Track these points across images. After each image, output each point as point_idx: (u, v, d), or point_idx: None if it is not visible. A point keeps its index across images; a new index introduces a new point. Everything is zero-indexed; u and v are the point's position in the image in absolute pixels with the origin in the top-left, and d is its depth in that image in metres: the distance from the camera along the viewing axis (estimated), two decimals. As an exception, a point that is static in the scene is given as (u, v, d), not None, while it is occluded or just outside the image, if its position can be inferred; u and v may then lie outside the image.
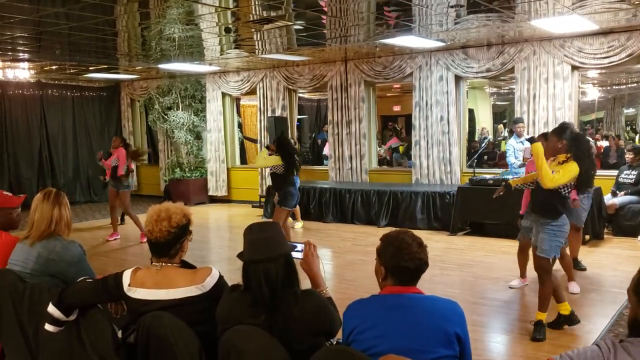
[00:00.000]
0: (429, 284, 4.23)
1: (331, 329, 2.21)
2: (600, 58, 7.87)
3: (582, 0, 5.99)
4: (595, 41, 7.82)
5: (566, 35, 7.89)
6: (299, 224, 9.13)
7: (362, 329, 2.04)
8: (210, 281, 2.40)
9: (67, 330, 2.52)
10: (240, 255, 2.23)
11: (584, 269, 5.98)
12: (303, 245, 2.43)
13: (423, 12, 6.54)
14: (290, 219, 8.00)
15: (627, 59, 7.67)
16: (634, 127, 14.85)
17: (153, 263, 2.48)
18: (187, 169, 12.22)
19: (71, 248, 2.97)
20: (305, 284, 2.29)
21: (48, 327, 2.48)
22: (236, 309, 2.19)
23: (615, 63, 7.77)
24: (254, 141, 12.57)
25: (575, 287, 5.27)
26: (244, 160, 13.10)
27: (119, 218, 9.89)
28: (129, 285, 2.41)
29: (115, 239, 8.51)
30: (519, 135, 7.71)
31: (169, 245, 2.45)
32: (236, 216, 10.71)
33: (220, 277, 2.45)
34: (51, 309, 2.46)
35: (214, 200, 12.29)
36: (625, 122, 15.25)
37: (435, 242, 7.48)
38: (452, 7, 6.24)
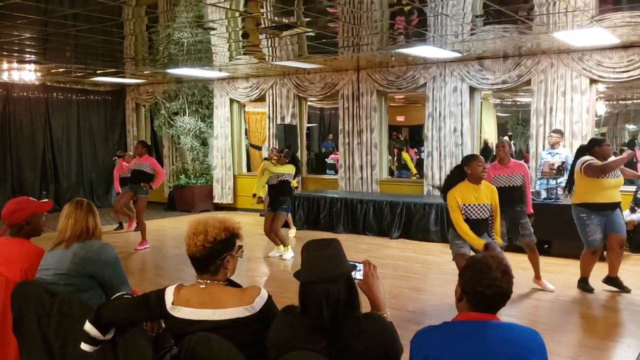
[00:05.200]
0: (445, 298, 4.04)
1: (395, 355, 2.07)
2: (619, 72, 7.76)
3: (602, 13, 5.91)
4: (615, 55, 7.73)
5: (585, 48, 7.80)
6: (292, 232, 8.98)
7: (434, 357, 1.89)
8: (260, 301, 2.26)
9: (102, 349, 2.38)
10: (297, 275, 2.09)
11: (629, 291, 5.55)
12: (362, 265, 2.28)
13: (439, 22, 6.44)
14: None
15: (647, 73, 7.59)
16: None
17: (197, 280, 2.34)
18: (192, 176, 12.05)
19: (107, 249, 2.98)
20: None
21: (84, 346, 2.33)
22: (292, 333, 2.04)
23: (635, 77, 7.67)
24: (259, 148, 12.43)
25: (549, 285, 5.69)
26: (250, 168, 12.96)
27: (118, 224, 9.72)
28: (173, 303, 2.26)
29: (145, 247, 8.04)
30: (552, 147, 7.57)
31: (206, 261, 2.31)
32: (243, 225, 10.50)
33: (269, 298, 2.30)
34: (88, 327, 2.31)
35: (219, 207, 12.12)
36: (628, 138, 15.20)
37: (449, 255, 7.30)
38: (477, 17, 6.14)
